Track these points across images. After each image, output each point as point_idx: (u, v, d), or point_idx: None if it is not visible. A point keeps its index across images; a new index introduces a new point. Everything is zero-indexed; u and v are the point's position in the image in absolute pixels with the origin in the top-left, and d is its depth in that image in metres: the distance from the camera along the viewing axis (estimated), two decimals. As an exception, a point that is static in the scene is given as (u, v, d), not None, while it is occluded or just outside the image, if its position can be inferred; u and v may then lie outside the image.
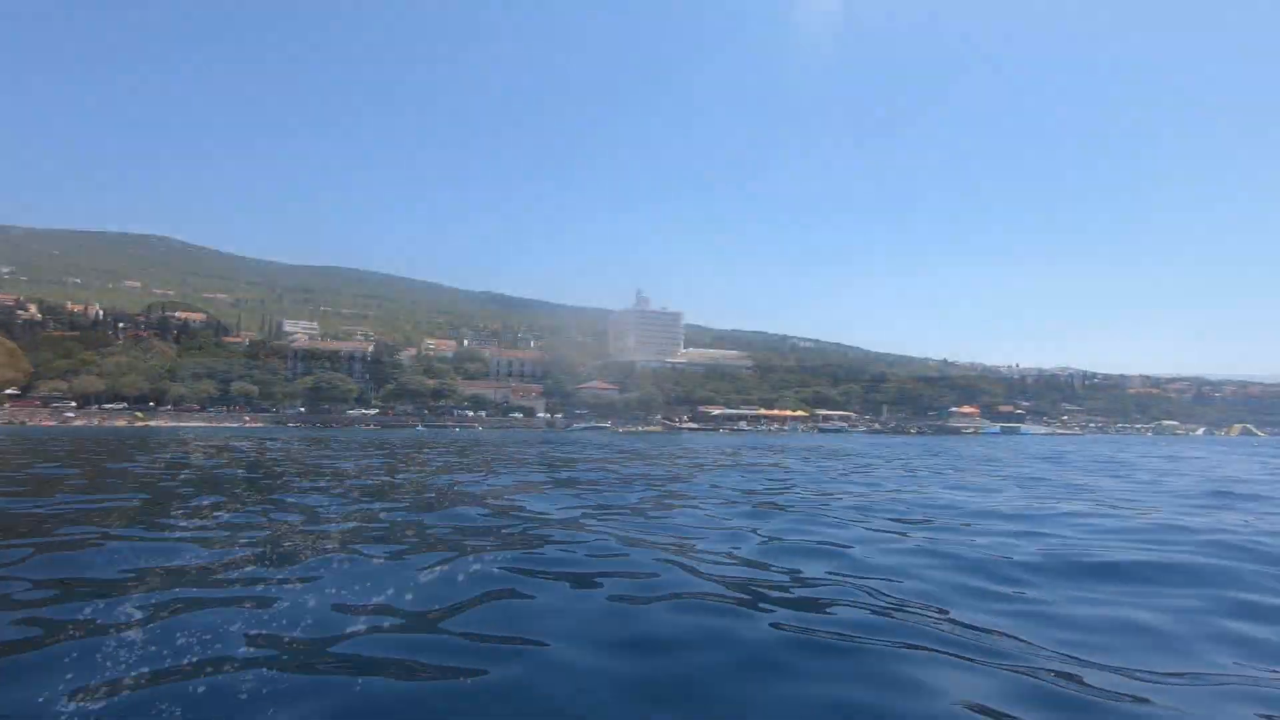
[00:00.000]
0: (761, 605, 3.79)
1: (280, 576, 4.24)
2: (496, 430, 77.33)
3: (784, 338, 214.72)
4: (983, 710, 2.54)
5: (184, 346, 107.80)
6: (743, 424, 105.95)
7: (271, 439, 32.77)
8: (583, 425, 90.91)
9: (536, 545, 5.45)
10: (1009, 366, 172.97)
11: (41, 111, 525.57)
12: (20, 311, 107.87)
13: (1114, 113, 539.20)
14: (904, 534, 6.35)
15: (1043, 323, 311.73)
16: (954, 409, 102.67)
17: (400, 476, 12.19)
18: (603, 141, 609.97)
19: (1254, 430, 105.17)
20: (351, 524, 6.41)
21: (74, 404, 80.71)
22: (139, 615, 3.43)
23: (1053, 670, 2.93)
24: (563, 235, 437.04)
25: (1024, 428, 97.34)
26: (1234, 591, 4.27)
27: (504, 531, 6.15)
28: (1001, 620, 3.64)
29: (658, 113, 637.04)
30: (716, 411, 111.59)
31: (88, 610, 3.49)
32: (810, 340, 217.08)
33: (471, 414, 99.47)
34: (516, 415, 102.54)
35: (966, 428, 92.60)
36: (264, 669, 2.78)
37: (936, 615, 3.72)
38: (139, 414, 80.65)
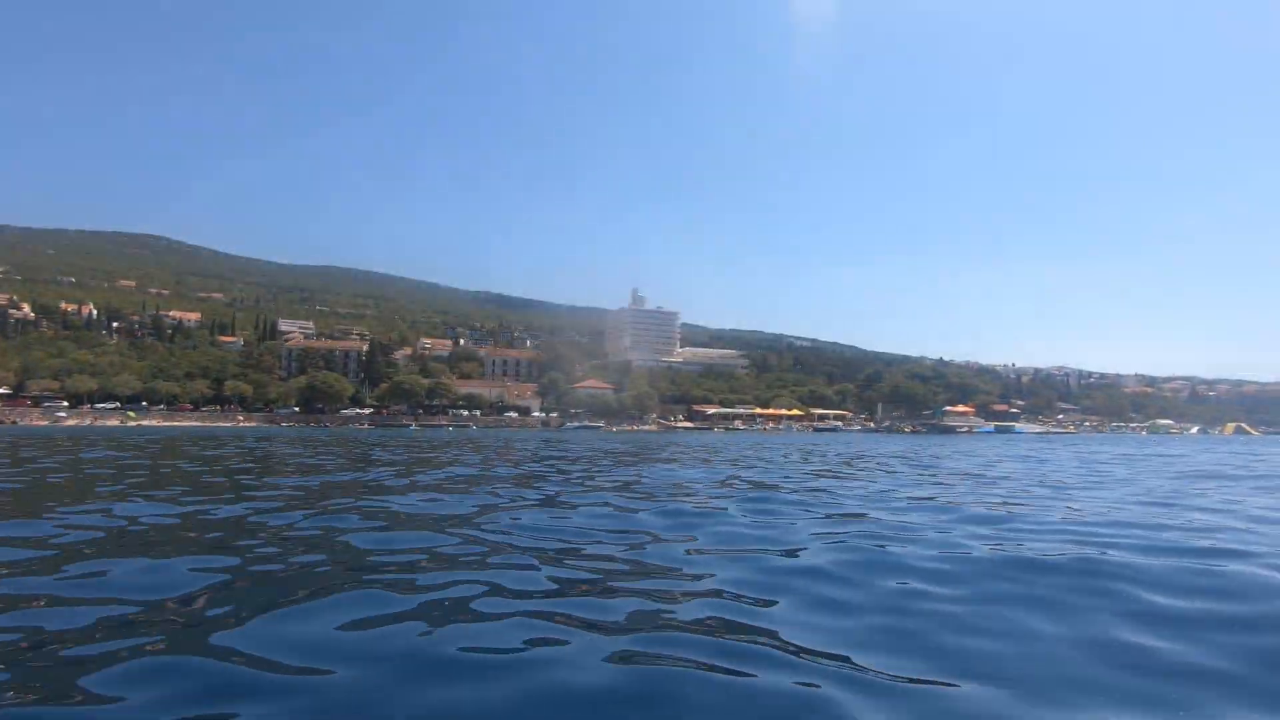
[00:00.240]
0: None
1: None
2: (490, 430, 77.27)
3: (780, 337, 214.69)
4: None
5: (178, 346, 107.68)
6: (738, 423, 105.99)
7: (257, 439, 32.68)
8: (575, 425, 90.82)
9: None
10: (1005, 365, 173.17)
11: (37, 110, 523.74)
12: (13, 311, 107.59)
13: (1113, 111, 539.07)
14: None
15: (1041, 322, 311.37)
16: (948, 408, 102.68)
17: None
18: (601, 141, 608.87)
19: (1248, 429, 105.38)
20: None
21: (65, 404, 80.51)
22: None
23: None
24: (560, 235, 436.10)
25: (1018, 426, 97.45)
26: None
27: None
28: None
29: (656, 113, 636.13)
30: (712, 411, 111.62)
31: None
32: (807, 339, 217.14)
33: (466, 413, 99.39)
34: (512, 414, 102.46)
35: (961, 427, 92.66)
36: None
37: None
38: (131, 413, 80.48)
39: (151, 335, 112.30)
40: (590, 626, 3.18)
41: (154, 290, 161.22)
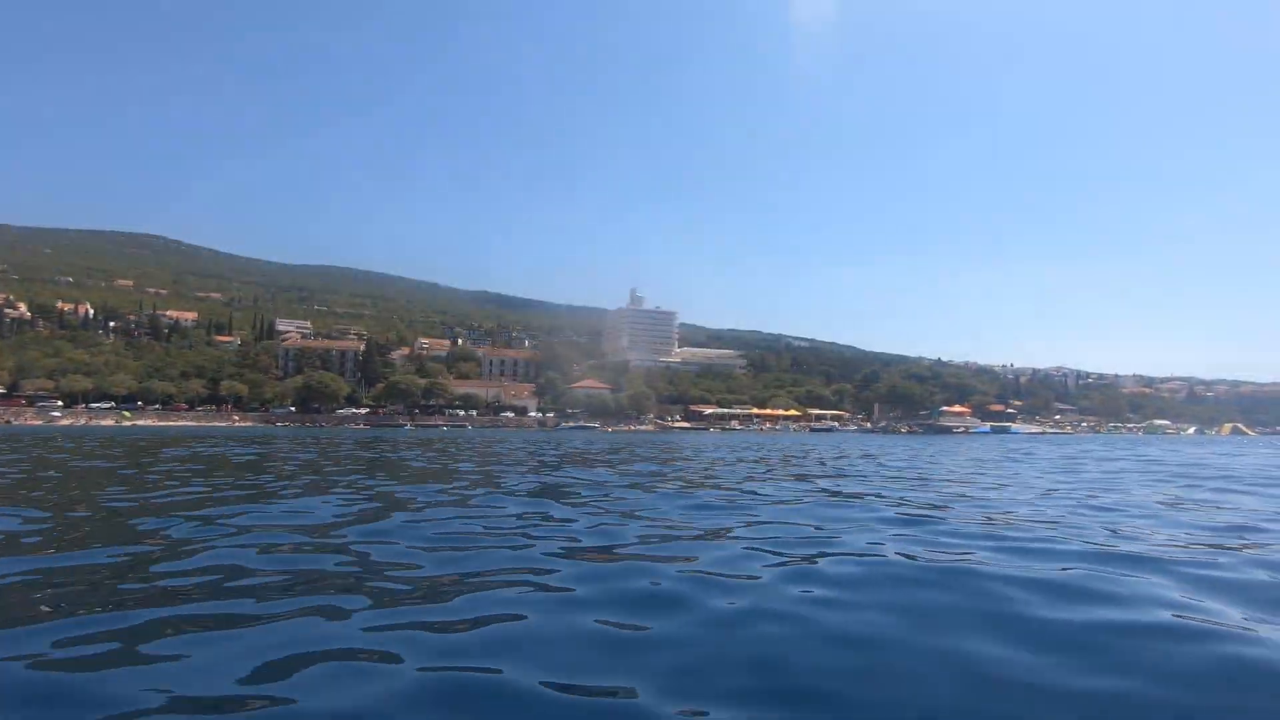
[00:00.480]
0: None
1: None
2: (486, 430, 77.23)
3: (779, 337, 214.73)
4: None
5: (174, 346, 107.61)
6: (734, 423, 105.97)
7: (242, 441, 32.60)
8: (571, 425, 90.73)
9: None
10: (1003, 366, 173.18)
11: (36, 110, 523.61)
12: (9, 310, 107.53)
13: (1113, 112, 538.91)
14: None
15: (1040, 323, 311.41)
16: (945, 408, 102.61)
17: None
18: (601, 141, 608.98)
19: (1244, 429, 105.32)
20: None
21: (60, 403, 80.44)
22: None
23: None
24: (560, 235, 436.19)
25: (1014, 427, 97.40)
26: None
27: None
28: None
29: (656, 113, 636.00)
30: (709, 411, 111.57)
31: None
32: (805, 339, 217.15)
33: (462, 413, 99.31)
34: (508, 414, 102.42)
35: (957, 427, 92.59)
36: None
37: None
38: (126, 413, 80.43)
39: (148, 335, 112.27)
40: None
41: (152, 290, 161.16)
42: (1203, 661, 2.88)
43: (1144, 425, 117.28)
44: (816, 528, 6.43)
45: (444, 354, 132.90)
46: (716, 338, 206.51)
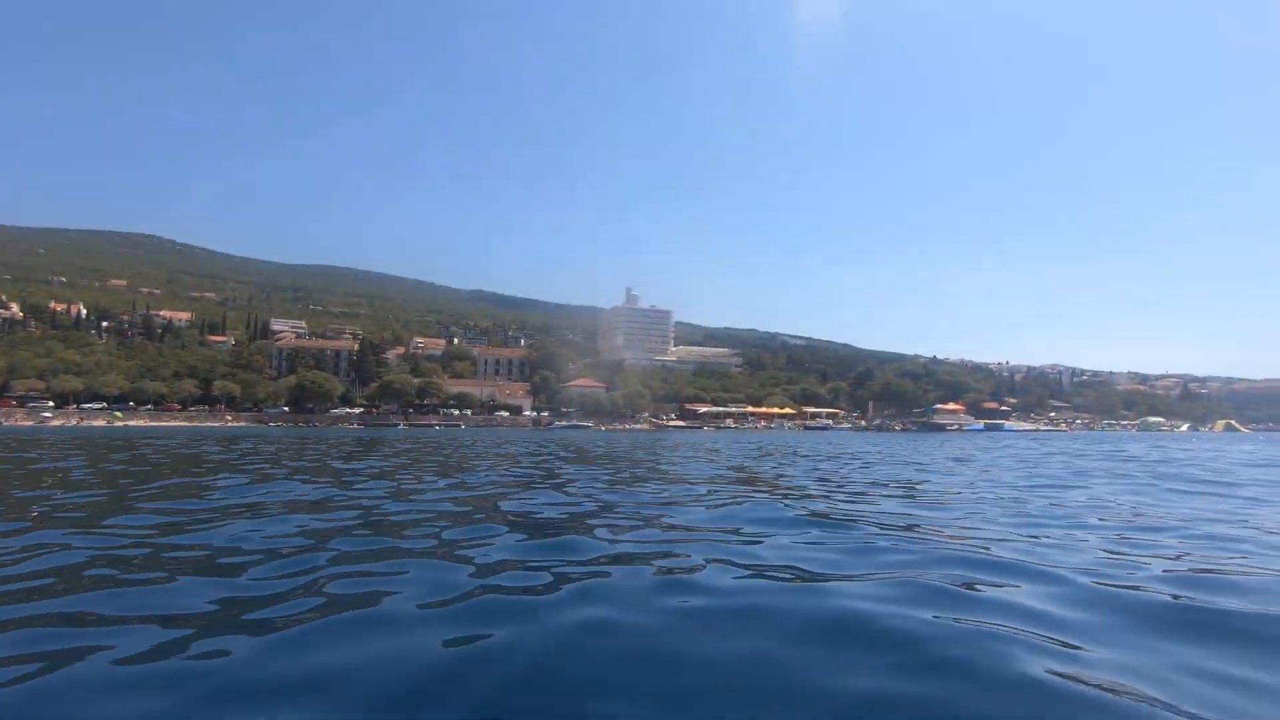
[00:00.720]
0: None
1: None
2: (483, 430, 77.14)
3: (775, 335, 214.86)
4: None
5: (167, 346, 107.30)
6: (729, 422, 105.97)
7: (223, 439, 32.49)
8: (564, 424, 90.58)
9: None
10: (999, 364, 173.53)
11: (30, 109, 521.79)
12: (1, 310, 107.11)
13: (1112, 112, 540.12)
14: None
15: (1040, 322, 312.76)
16: (939, 406, 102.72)
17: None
18: (598, 141, 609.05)
19: (1237, 426, 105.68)
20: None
21: (51, 404, 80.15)
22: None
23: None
24: (560, 235, 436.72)
25: (1008, 424, 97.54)
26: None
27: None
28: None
29: (656, 113, 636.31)
30: (703, 409, 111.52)
31: None
32: (801, 338, 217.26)
33: (457, 413, 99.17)
34: (503, 414, 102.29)
35: (951, 425, 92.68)
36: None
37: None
38: (118, 414, 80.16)
39: (141, 335, 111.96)
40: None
41: (146, 290, 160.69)
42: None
43: (1138, 422, 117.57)
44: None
45: (439, 353, 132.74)
46: (712, 336, 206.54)
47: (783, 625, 3.27)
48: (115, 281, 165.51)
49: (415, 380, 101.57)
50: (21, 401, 79.66)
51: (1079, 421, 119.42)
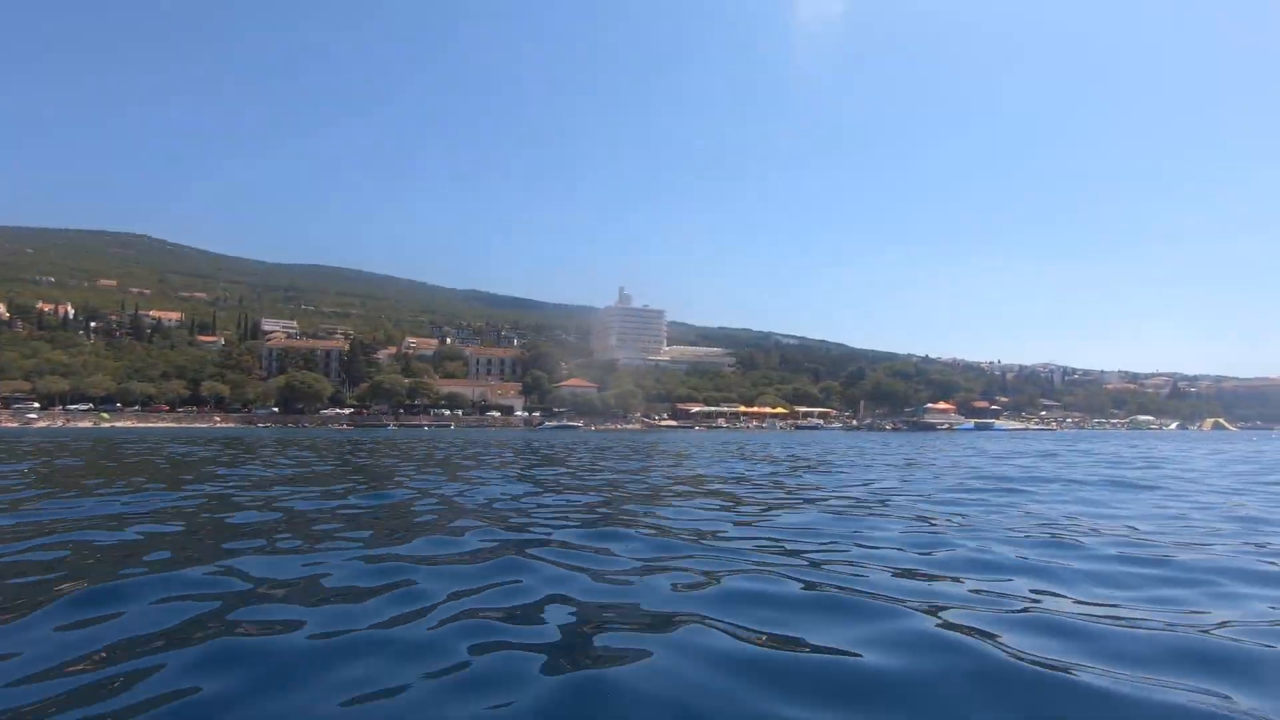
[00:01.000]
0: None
1: None
2: (472, 430, 76.92)
3: (769, 335, 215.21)
4: None
5: (156, 346, 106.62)
6: (721, 421, 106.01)
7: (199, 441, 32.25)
8: (554, 424, 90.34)
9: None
10: (990, 362, 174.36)
11: (29, 109, 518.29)
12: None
13: (1112, 112, 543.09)
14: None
15: (1038, 321, 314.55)
16: (930, 405, 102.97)
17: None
18: (594, 141, 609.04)
19: (1225, 424, 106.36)
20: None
21: (37, 405, 79.53)
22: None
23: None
24: (560, 235, 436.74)
25: (998, 424, 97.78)
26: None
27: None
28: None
29: (651, 113, 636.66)
30: (696, 409, 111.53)
31: None
32: (795, 337, 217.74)
33: (448, 413, 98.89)
34: (494, 414, 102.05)
35: (941, 424, 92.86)
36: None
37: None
38: (104, 414, 79.61)
39: (130, 335, 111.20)
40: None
41: (136, 290, 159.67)
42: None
43: (1128, 421, 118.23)
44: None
45: (431, 353, 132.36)
46: (706, 336, 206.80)
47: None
48: (105, 281, 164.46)
49: (406, 380, 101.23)
50: (6, 402, 79.01)
51: (1069, 420, 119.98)
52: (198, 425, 77.12)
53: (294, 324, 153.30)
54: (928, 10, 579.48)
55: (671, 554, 4.94)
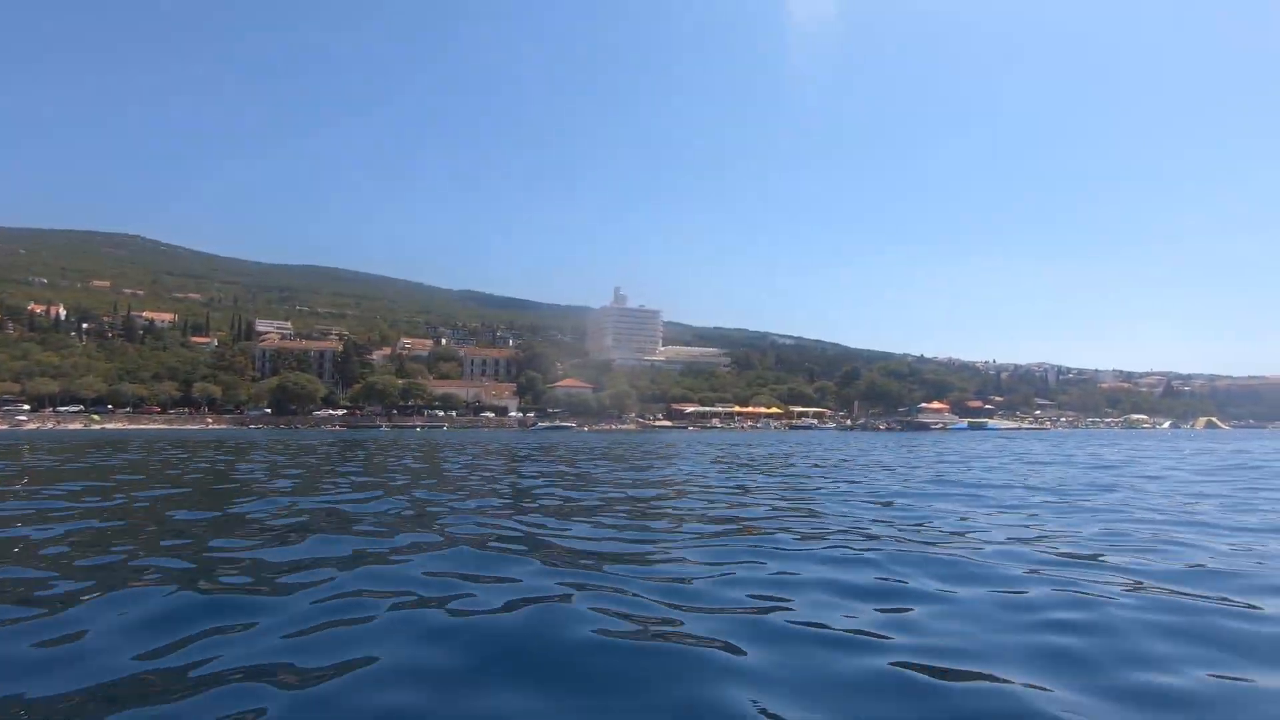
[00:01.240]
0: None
1: None
2: (466, 431, 76.74)
3: (764, 335, 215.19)
4: None
5: (148, 347, 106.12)
6: (715, 421, 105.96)
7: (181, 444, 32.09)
8: (547, 425, 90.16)
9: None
10: (985, 362, 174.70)
11: (29, 109, 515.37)
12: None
13: (1113, 112, 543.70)
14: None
15: (1038, 321, 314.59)
16: (924, 405, 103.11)
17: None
18: (590, 140, 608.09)
19: (1218, 423, 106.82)
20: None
21: (27, 406, 79.08)
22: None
23: None
24: (560, 235, 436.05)
25: (991, 423, 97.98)
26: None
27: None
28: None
29: (657, 113, 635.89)
30: (690, 409, 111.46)
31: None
32: (791, 337, 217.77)
33: (441, 414, 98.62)
34: (488, 415, 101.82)
35: (935, 424, 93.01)
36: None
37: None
38: (95, 416, 79.22)
39: (122, 336, 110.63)
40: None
41: (129, 291, 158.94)
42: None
43: (1122, 420, 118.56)
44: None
45: (425, 354, 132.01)
46: (702, 336, 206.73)
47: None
48: (98, 282, 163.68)
49: (399, 381, 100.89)
50: (-4, 404, 78.55)
51: (1063, 420, 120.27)
52: (189, 427, 76.71)
53: (288, 325, 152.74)
54: (925, 10, 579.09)
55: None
